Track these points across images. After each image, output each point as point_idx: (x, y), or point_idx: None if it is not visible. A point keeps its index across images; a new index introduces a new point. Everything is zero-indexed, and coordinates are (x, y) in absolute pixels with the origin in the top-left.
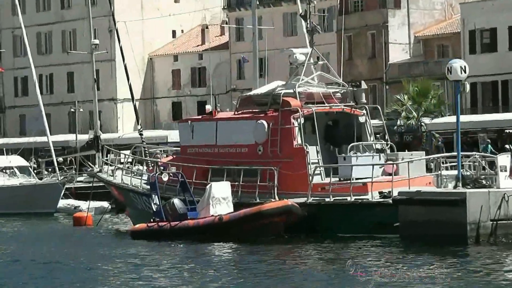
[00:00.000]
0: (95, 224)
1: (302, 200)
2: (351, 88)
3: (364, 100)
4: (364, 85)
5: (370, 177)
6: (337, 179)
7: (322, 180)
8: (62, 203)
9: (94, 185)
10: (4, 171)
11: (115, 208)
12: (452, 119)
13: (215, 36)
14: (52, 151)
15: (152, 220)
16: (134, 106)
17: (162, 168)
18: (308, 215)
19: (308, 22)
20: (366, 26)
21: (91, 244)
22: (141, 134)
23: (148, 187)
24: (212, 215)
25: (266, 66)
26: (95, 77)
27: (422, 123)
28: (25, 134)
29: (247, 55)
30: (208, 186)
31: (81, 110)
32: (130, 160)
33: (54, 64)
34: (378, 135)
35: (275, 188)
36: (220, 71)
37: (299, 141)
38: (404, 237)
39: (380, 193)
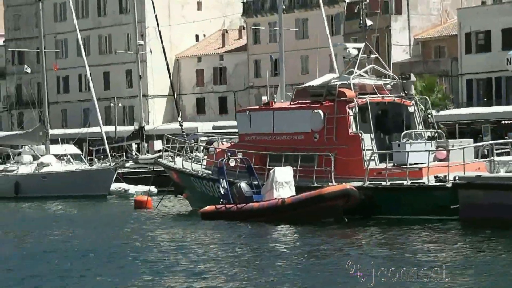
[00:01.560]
0: (155, 207)
1: (359, 184)
2: (401, 80)
3: (413, 91)
4: (413, 77)
5: (423, 163)
6: (391, 164)
7: (376, 165)
8: (113, 186)
9: (140, 170)
10: (61, 158)
11: (174, 191)
12: (455, 111)
13: (233, 40)
14: (105, 140)
15: (220, 203)
16: (176, 101)
17: (229, 154)
18: (365, 198)
19: (361, 19)
20: (371, 30)
21: (157, 226)
22: (181, 125)
23: (208, 172)
24: (275, 198)
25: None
26: (140, 74)
27: (429, 115)
28: (67, 126)
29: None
30: (271, 171)
31: (120, 104)
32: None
33: (92, 65)
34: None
35: (332, 173)
36: (239, 71)
37: (354, 129)
38: (464, 219)
39: (435, 177)
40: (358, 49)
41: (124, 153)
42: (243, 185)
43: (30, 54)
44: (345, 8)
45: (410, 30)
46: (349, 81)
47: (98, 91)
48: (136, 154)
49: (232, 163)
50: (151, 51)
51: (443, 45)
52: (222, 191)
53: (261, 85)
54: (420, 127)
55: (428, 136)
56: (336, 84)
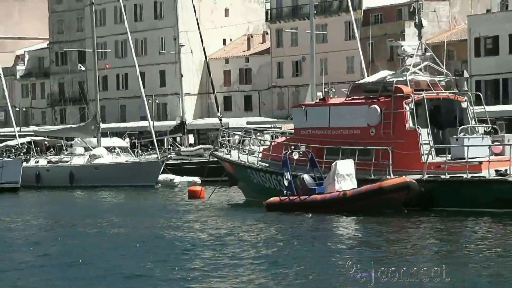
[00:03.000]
0: (208, 197)
1: (417, 177)
2: (455, 77)
3: (465, 88)
4: (466, 74)
5: (481, 157)
6: (448, 158)
7: (432, 159)
8: (160, 176)
9: (181, 162)
10: (113, 150)
11: (228, 182)
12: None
13: (258, 44)
14: (153, 133)
15: (284, 194)
16: (215, 97)
17: (293, 147)
18: (424, 190)
19: (416, 17)
20: (386, 34)
21: (220, 216)
22: (220, 120)
23: (265, 164)
24: (337, 190)
25: (301, 66)
26: (181, 72)
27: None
28: (105, 122)
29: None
30: (333, 164)
31: (157, 101)
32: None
33: (129, 66)
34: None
35: (390, 166)
36: (263, 72)
37: (411, 124)
38: None
39: (496, 171)
40: (413, 46)
41: (171, 146)
42: (306, 177)
43: (72, 56)
44: (362, 15)
45: (422, 35)
46: (405, 78)
47: (134, 89)
48: (178, 147)
49: (295, 155)
50: (191, 52)
51: (452, 49)
52: (285, 183)
53: (283, 85)
54: (473, 122)
55: (484, 131)
56: (393, 81)
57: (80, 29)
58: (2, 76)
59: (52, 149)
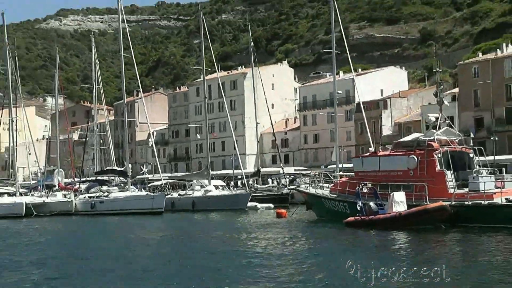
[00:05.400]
0: (289, 216)
1: (447, 203)
2: (464, 137)
3: (471, 144)
4: (472, 135)
5: (491, 189)
6: (465, 190)
7: (455, 191)
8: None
9: (258, 194)
10: (218, 187)
11: (306, 207)
12: None
13: (291, 124)
14: (243, 177)
15: (357, 215)
16: (279, 154)
17: (363, 184)
18: (453, 212)
19: (438, 97)
20: (370, 117)
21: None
22: (282, 168)
23: (334, 195)
24: (394, 212)
25: (319, 137)
26: (257, 139)
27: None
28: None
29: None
30: (391, 194)
31: (233, 158)
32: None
33: (216, 138)
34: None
35: (427, 196)
36: (295, 140)
37: (439, 168)
38: None
39: (506, 199)
40: (436, 117)
41: (255, 184)
42: (372, 204)
43: (182, 132)
44: (355, 105)
45: (392, 118)
46: (433, 137)
47: (218, 150)
48: (255, 185)
49: (364, 189)
50: (264, 126)
51: (410, 126)
52: (358, 208)
53: (308, 148)
54: (477, 167)
55: (490, 172)
56: (425, 139)
57: (186, 116)
58: (154, 147)
59: (179, 187)
